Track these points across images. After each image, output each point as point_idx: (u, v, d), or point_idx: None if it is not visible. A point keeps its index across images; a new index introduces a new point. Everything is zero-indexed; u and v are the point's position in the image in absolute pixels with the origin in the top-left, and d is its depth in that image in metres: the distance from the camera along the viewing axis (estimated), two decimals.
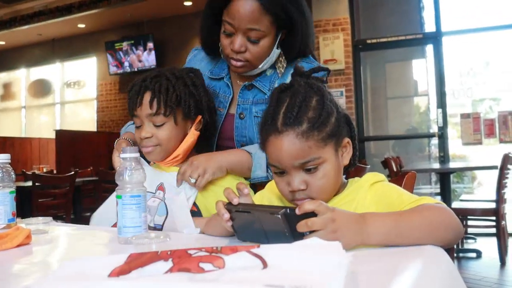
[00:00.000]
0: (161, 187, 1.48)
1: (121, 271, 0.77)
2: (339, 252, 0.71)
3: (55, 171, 7.48)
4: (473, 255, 4.81)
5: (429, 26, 6.70)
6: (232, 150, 1.55)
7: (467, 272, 4.26)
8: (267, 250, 0.73)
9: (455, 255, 4.60)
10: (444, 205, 0.97)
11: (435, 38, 6.17)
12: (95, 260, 0.85)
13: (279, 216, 0.89)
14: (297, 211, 0.89)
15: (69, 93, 10.43)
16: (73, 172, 5.00)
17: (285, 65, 1.61)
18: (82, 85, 10.16)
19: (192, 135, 1.50)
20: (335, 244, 0.73)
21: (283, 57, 1.61)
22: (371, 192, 1.09)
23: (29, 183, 4.99)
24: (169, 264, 0.75)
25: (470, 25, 6.57)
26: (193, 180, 1.41)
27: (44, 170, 7.43)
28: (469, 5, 7.41)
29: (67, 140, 8.10)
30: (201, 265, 0.72)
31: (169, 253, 0.80)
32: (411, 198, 1.02)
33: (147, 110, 1.43)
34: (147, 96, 1.43)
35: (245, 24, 1.44)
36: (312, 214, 0.89)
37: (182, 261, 0.75)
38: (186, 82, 1.48)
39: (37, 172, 6.46)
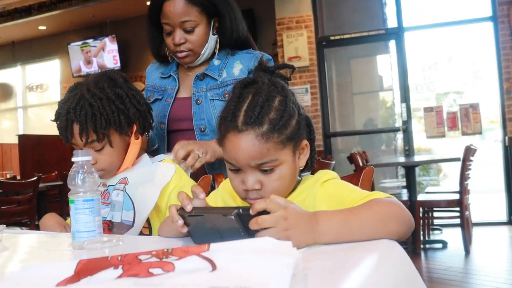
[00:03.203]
0: (123, 181, 1.48)
1: (70, 280, 0.75)
2: (289, 251, 0.71)
3: (19, 177, 7.31)
4: (439, 245, 4.91)
5: (391, 22, 6.79)
6: None
7: (433, 262, 4.34)
8: (217, 252, 0.72)
9: (421, 246, 4.68)
10: (395, 198, 0.98)
11: (397, 33, 6.26)
12: (44, 268, 0.83)
13: (232, 217, 0.89)
14: (251, 212, 0.88)
15: (32, 97, 10.20)
16: (36, 178, 4.89)
17: (217, 50, 1.84)
18: (45, 88, 9.94)
19: (134, 145, 1.49)
20: (286, 244, 0.73)
21: (218, 44, 1.83)
22: (323, 190, 1.09)
23: None
24: (119, 271, 0.73)
25: (431, 21, 6.69)
26: (200, 154, 1.57)
27: (8, 176, 7.26)
28: (429, 0, 7.54)
29: (30, 145, 7.92)
30: (151, 270, 0.71)
31: (119, 258, 0.79)
32: (362, 194, 1.02)
33: (79, 141, 1.40)
34: (75, 129, 1.39)
35: (178, 18, 1.71)
36: (267, 212, 0.89)
37: (132, 268, 0.73)
38: (109, 97, 1.42)
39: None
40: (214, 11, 1.76)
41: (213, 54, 1.85)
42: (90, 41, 8.50)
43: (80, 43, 8.59)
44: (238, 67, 1.81)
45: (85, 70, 8.60)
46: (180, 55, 1.78)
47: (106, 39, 8.35)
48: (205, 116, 1.78)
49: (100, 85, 1.43)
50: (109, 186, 1.49)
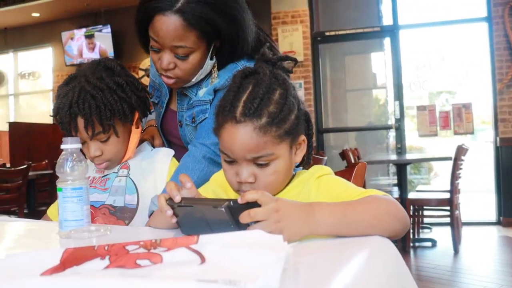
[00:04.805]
0: (124, 166, 1.48)
1: (55, 269, 0.73)
2: (280, 245, 0.69)
3: (8, 165, 7.26)
4: (429, 244, 4.92)
5: (387, 20, 6.79)
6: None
7: (422, 260, 4.35)
8: (207, 245, 0.70)
9: (411, 244, 4.70)
10: (391, 196, 0.97)
11: (392, 31, 6.25)
12: (29, 256, 0.81)
13: (223, 209, 0.87)
14: (239, 200, 0.87)
15: (24, 84, 10.10)
16: (25, 166, 4.85)
17: (216, 76, 1.50)
18: (37, 76, 9.85)
19: (135, 134, 1.48)
20: (277, 237, 0.71)
21: (216, 67, 1.50)
22: (317, 185, 1.07)
23: None
24: (105, 262, 0.72)
25: (427, 19, 6.69)
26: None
27: None
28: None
29: (21, 133, 7.86)
30: (138, 261, 0.69)
31: (106, 248, 0.77)
32: (358, 190, 1.01)
33: (85, 134, 1.37)
34: (80, 122, 1.35)
35: (169, 41, 1.35)
36: (256, 204, 0.87)
37: (119, 258, 0.72)
38: (111, 87, 1.38)
39: None
40: (217, 35, 1.40)
41: None
42: (84, 30, 8.42)
43: (74, 31, 8.51)
44: (213, 82, 1.51)
45: (78, 59, 8.51)
46: (166, 80, 1.46)
47: (101, 28, 8.28)
48: (188, 140, 1.58)
49: (98, 75, 1.39)
50: (110, 173, 1.48)
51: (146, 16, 1.37)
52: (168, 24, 1.32)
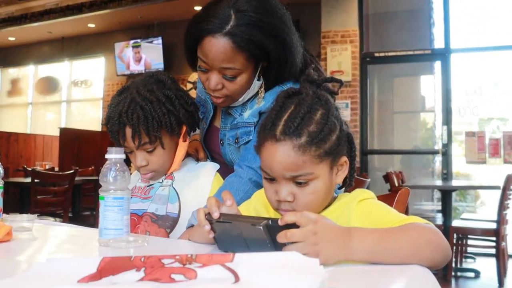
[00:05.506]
0: (169, 177, 1.50)
1: (92, 277, 0.74)
2: (315, 269, 0.68)
3: (57, 169, 7.48)
4: (471, 274, 4.76)
5: (438, 43, 6.67)
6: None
7: None
8: (242, 263, 0.70)
9: (453, 273, 4.55)
10: (432, 225, 0.94)
11: (444, 54, 6.14)
12: (67, 262, 0.82)
13: (261, 227, 0.87)
14: (280, 222, 0.87)
15: (76, 92, 10.45)
16: (73, 171, 4.99)
17: (263, 95, 1.51)
18: (89, 84, 10.18)
19: (182, 147, 1.50)
20: (313, 261, 0.70)
21: (263, 88, 1.50)
22: (358, 209, 1.05)
23: (29, 180, 5.00)
24: (141, 274, 0.72)
25: (479, 44, 6.54)
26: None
27: (47, 167, 7.45)
28: (479, 23, 7.37)
29: (70, 138, 8.11)
30: (173, 276, 0.70)
31: (142, 259, 0.78)
32: (399, 216, 0.99)
33: (132, 143, 1.41)
34: (128, 132, 1.40)
35: (218, 63, 1.37)
36: (295, 225, 0.87)
37: (154, 271, 0.72)
38: (160, 100, 1.41)
39: (38, 168, 6.48)
40: (265, 56, 1.41)
41: None
42: (136, 41, 8.65)
43: (126, 42, 8.75)
44: (259, 104, 1.51)
45: (129, 69, 8.73)
46: (214, 100, 1.49)
47: (153, 41, 8.47)
48: (229, 159, 1.60)
49: (149, 87, 1.44)
50: (155, 183, 1.51)
51: (195, 37, 1.39)
52: (217, 46, 1.34)
